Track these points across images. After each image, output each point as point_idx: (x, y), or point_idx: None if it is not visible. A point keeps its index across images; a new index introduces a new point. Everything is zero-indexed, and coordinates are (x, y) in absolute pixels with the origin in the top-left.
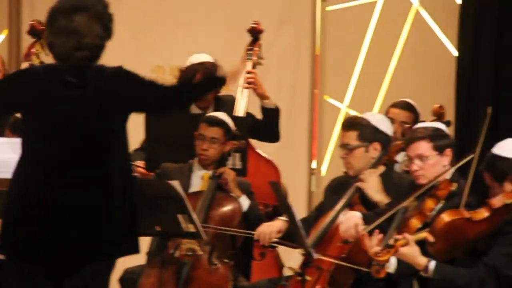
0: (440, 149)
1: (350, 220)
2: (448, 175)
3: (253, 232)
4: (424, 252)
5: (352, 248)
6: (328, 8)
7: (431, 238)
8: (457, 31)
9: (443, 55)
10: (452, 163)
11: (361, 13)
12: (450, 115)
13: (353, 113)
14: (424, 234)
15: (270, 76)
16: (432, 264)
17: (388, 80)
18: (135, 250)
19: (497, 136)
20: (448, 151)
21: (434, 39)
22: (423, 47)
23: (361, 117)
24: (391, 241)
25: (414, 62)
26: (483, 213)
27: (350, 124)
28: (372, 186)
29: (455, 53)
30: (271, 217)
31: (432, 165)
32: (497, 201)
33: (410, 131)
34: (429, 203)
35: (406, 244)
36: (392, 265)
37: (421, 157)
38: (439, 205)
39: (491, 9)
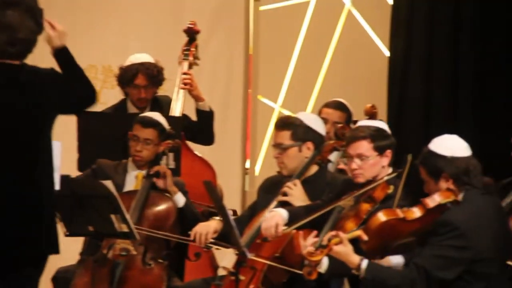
0: (380, 150)
1: (272, 219)
2: (386, 178)
3: (188, 238)
4: (358, 251)
5: (285, 248)
6: (262, 8)
7: (365, 237)
8: (389, 31)
9: (375, 55)
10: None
11: (294, 13)
12: (382, 114)
13: (287, 112)
14: (358, 233)
15: (204, 76)
16: (365, 263)
17: (321, 80)
18: (55, 250)
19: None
20: (388, 152)
21: (366, 39)
22: (355, 47)
23: (294, 117)
24: (324, 241)
25: (347, 62)
26: (416, 213)
27: (283, 123)
28: (297, 197)
29: (387, 53)
30: (207, 217)
31: (371, 165)
32: (431, 201)
33: (352, 130)
34: (365, 206)
35: (339, 242)
36: (323, 264)
37: (361, 156)
38: (375, 207)
39: (423, 10)
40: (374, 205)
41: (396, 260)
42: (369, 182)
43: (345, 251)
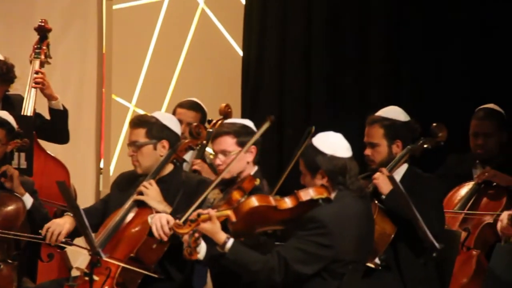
0: (244, 145)
1: (161, 219)
2: (252, 172)
3: (38, 237)
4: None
5: (140, 248)
6: (115, 7)
7: (233, 218)
8: (242, 31)
9: (229, 55)
10: (255, 160)
11: (147, 11)
12: (236, 113)
13: (141, 112)
14: (227, 212)
15: (56, 75)
16: (230, 243)
17: (175, 79)
18: None
19: (281, 135)
20: (253, 148)
21: (220, 39)
22: (209, 47)
23: (149, 115)
24: (193, 216)
25: (201, 62)
26: (288, 203)
27: (138, 121)
28: (153, 196)
29: (241, 52)
30: (58, 217)
31: (235, 160)
32: (305, 194)
33: (218, 127)
34: (236, 195)
35: (208, 219)
36: (202, 250)
37: (224, 152)
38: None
39: (275, 10)
40: (244, 194)
41: None
42: (234, 177)
43: (213, 228)
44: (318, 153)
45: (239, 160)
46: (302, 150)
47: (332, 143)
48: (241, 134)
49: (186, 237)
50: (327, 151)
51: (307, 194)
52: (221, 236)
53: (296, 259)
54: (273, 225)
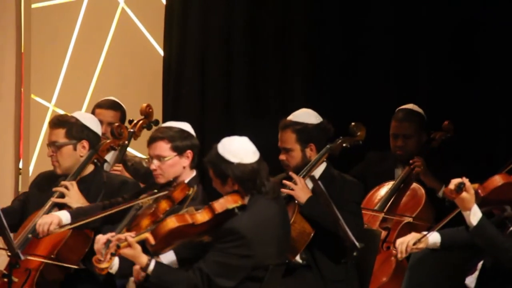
0: (179, 150)
1: (49, 217)
2: (189, 177)
3: None
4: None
5: (61, 249)
6: (34, 5)
7: (152, 241)
8: (163, 31)
9: (150, 55)
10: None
11: (67, 10)
12: (158, 113)
13: (61, 112)
14: (146, 235)
15: None
16: (152, 265)
17: (95, 79)
18: None
19: (203, 135)
20: (189, 153)
21: (141, 39)
22: (130, 46)
23: (69, 115)
24: (112, 248)
25: (122, 61)
26: (205, 217)
27: (58, 121)
28: (74, 198)
29: (162, 52)
30: None
31: (170, 165)
32: (219, 206)
33: (154, 131)
34: (164, 205)
35: (128, 246)
36: (114, 265)
37: (159, 157)
38: (173, 207)
39: (196, 10)
40: (173, 205)
41: (167, 258)
42: (170, 182)
43: (133, 253)
44: (224, 161)
45: (175, 165)
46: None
47: (238, 149)
48: (176, 139)
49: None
50: (233, 159)
51: (222, 205)
52: (143, 259)
53: (217, 273)
54: (192, 238)
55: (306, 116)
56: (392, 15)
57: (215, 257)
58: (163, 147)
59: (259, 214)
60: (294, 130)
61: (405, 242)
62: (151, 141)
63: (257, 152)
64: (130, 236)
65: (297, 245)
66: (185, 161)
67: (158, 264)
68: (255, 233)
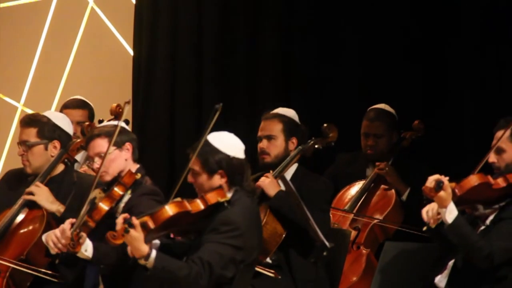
0: (118, 144)
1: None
2: (133, 169)
3: None
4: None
5: (31, 250)
6: (1, 5)
7: (151, 225)
8: (133, 30)
9: (120, 54)
10: (134, 157)
11: (36, 10)
12: (128, 113)
13: (30, 111)
14: (145, 218)
15: None
16: (154, 253)
17: (65, 78)
18: None
19: (173, 134)
20: (128, 145)
21: (111, 38)
22: (99, 46)
23: (41, 115)
24: (122, 230)
25: (92, 61)
26: (199, 206)
27: (30, 120)
28: (44, 197)
29: (132, 52)
30: None
31: (112, 160)
32: (211, 197)
33: (89, 130)
34: (117, 190)
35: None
36: (88, 249)
37: (99, 154)
38: (127, 192)
39: (166, 9)
40: (125, 189)
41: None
42: (116, 178)
43: (139, 237)
44: (218, 153)
45: (116, 159)
46: (209, 130)
47: (231, 144)
48: (112, 134)
49: (68, 233)
50: (229, 152)
51: (213, 197)
52: (145, 247)
53: (217, 262)
54: (182, 228)
55: (292, 113)
56: (362, 14)
57: (214, 247)
58: (102, 144)
59: (246, 208)
60: (281, 120)
61: (430, 210)
62: (89, 141)
63: (244, 150)
64: (134, 218)
65: (269, 246)
66: (126, 153)
67: (159, 253)
68: (246, 225)
